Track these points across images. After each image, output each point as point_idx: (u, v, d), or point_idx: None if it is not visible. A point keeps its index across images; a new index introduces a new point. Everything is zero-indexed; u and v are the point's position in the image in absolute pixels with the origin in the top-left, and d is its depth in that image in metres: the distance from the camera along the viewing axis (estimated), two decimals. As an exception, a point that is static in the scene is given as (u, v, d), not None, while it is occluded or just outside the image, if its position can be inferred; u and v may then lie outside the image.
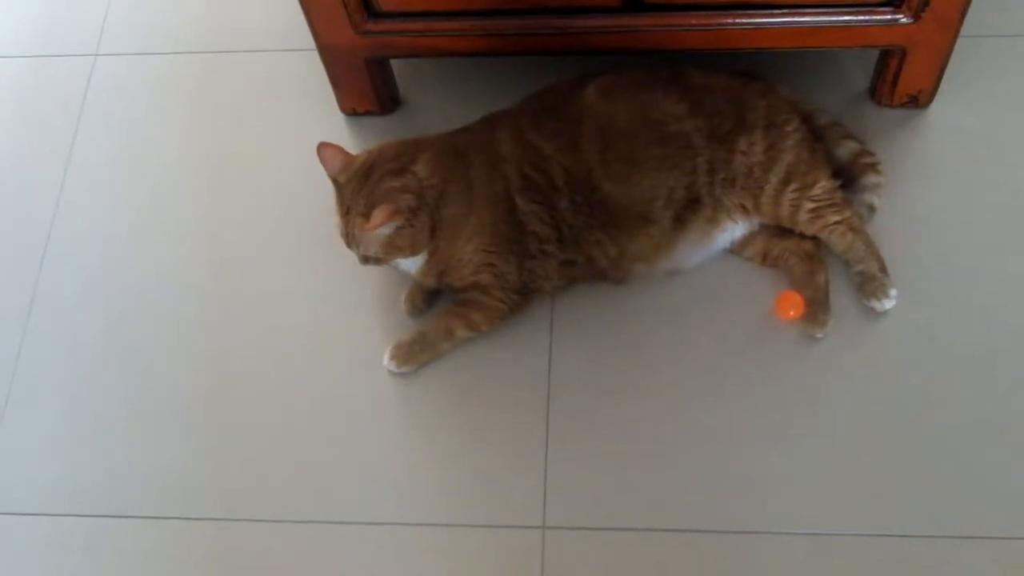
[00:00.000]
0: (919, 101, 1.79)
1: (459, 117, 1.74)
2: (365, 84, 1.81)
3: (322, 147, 1.57)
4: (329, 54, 1.75)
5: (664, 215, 1.62)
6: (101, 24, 2.06)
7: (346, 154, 1.59)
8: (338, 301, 1.75)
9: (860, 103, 1.83)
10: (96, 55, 2.03)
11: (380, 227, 1.53)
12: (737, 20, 1.64)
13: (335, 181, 1.59)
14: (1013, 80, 1.84)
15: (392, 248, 1.59)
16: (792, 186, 1.63)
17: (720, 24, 1.64)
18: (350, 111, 1.89)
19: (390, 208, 1.52)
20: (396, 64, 1.87)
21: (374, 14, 1.67)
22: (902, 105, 1.80)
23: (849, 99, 1.83)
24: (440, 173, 1.60)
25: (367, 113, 1.88)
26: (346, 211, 1.58)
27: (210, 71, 2.00)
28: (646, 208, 1.62)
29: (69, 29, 2.07)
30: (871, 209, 1.71)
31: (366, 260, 1.62)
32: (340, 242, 1.61)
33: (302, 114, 1.92)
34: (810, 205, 1.64)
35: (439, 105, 1.89)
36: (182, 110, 1.97)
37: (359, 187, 1.57)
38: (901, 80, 1.74)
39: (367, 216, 1.54)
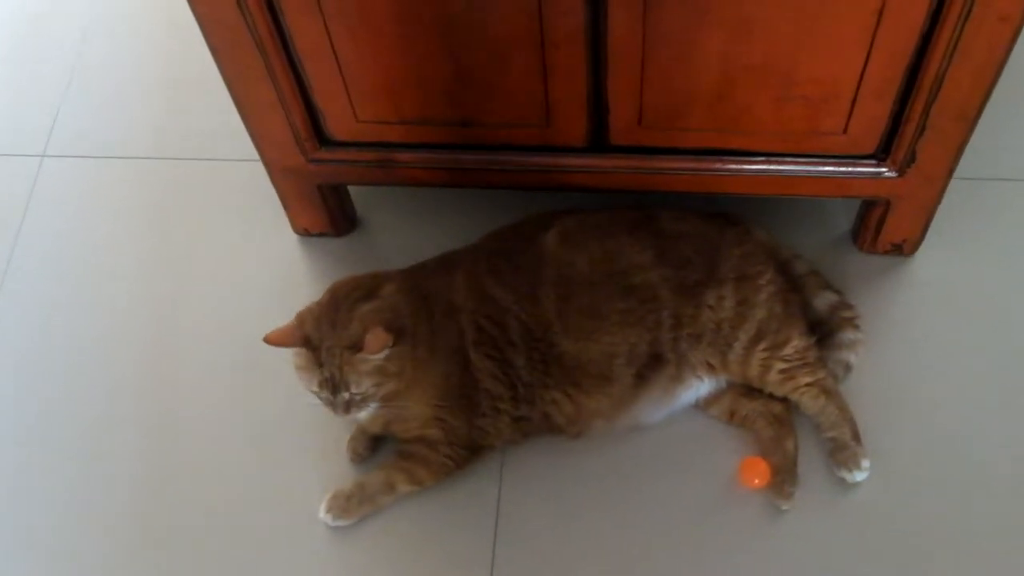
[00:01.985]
0: (904, 250, 1.69)
1: (421, 241, 1.66)
2: (318, 207, 1.71)
3: (270, 339, 1.42)
4: (279, 179, 1.65)
5: (625, 373, 1.52)
6: (51, 124, 1.97)
7: (295, 322, 1.45)
8: (275, 442, 1.63)
9: (841, 246, 1.73)
10: (43, 156, 1.93)
11: (379, 351, 1.39)
12: (712, 166, 1.54)
13: (307, 343, 1.43)
14: (1004, 226, 1.74)
15: (384, 377, 1.43)
16: (762, 345, 1.53)
17: (693, 169, 1.54)
18: (303, 232, 1.79)
19: (381, 328, 1.39)
20: (354, 183, 1.78)
21: (326, 142, 1.58)
22: (885, 253, 1.70)
23: (830, 242, 1.73)
24: (409, 306, 1.48)
25: (321, 234, 1.79)
26: (320, 360, 1.41)
27: (159, 178, 1.90)
28: (606, 366, 1.51)
29: (18, 127, 1.98)
30: (847, 368, 1.60)
31: (349, 406, 1.44)
32: (325, 411, 1.46)
33: (253, 230, 1.82)
34: (781, 366, 1.54)
35: (399, 227, 1.80)
36: (127, 219, 1.87)
37: (331, 327, 1.42)
38: (885, 229, 1.64)
39: (357, 347, 1.39)
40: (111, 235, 1.86)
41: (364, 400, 1.45)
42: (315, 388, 1.44)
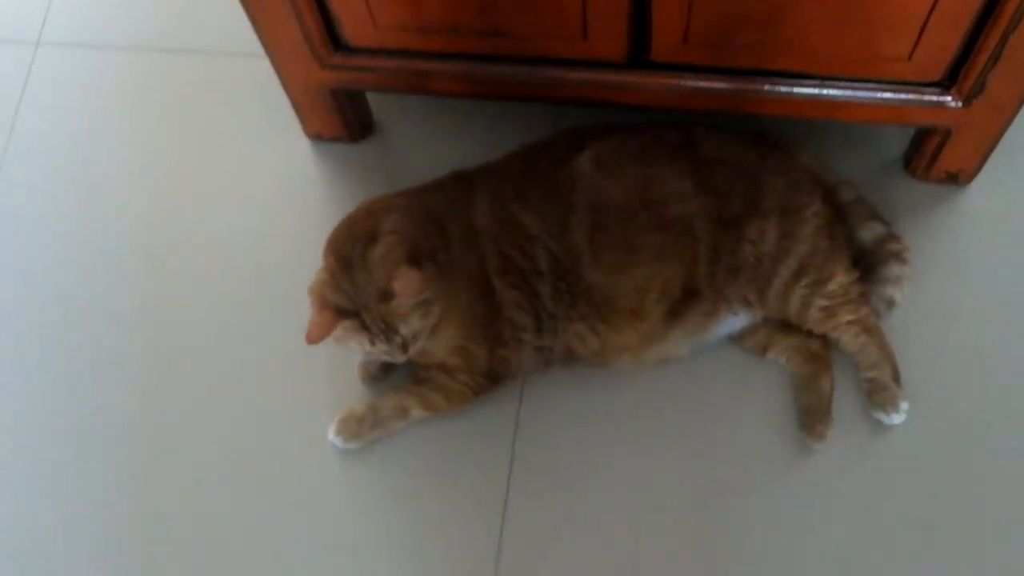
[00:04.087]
0: (959, 179, 1.58)
1: (439, 151, 1.57)
2: (333, 112, 1.60)
3: (313, 338, 1.33)
4: (290, 84, 1.53)
5: (657, 309, 1.43)
6: (45, 10, 1.82)
7: (316, 303, 1.35)
8: (285, 359, 1.56)
9: (891, 172, 1.61)
10: (38, 43, 1.80)
11: (414, 293, 1.31)
12: (760, 87, 1.41)
13: (343, 314, 1.34)
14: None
15: (427, 307, 1.36)
16: (804, 281, 1.44)
17: (739, 90, 1.42)
18: (315, 136, 1.67)
19: (405, 266, 1.31)
20: (371, 85, 1.66)
21: (342, 48, 1.45)
22: (939, 181, 1.59)
23: (879, 166, 1.61)
24: (421, 230, 1.39)
25: (335, 139, 1.67)
26: (363, 324, 1.34)
27: (162, 72, 1.78)
28: (637, 302, 1.42)
29: (12, 9, 1.83)
30: (891, 304, 1.51)
31: (405, 346, 1.37)
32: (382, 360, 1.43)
33: (262, 130, 1.70)
34: (822, 303, 1.45)
35: (417, 135, 1.68)
36: (128, 114, 1.76)
37: (354, 287, 1.34)
38: (942, 158, 1.53)
39: (389, 295, 1.32)
40: (110, 132, 1.75)
41: (416, 335, 1.38)
42: (368, 348, 1.38)
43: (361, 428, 1.50)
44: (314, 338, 1.33)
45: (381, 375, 1.54)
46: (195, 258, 1.64)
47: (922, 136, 1.53)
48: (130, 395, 1.57)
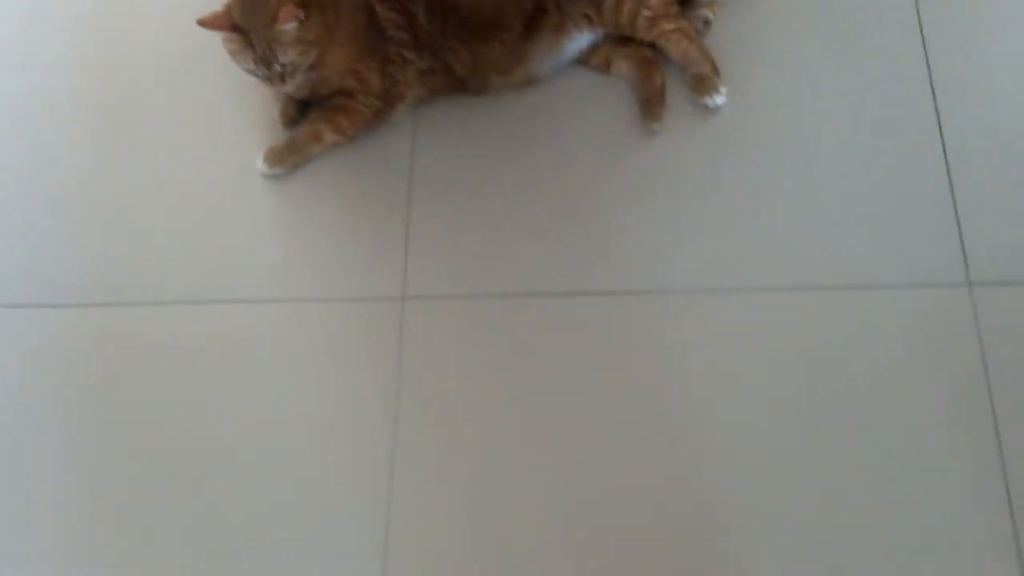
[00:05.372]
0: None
1: None
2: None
3: (204, 22, 1.63)
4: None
5: (515, 22, 1.77)
6: None
7: (224, 10, 1.66)
8: (217, 115, 1.89)
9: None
10: None
11: (290, 20, 1.62)
12: None
13: (237, 30, 1.65)
14: None
15: (305, 45, 1.66)
16: (630, -3, 1.80)
17: None
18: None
19: (291, 2, 1.63)
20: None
21: None
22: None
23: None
24: None
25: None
26: (251, 42, 1.64)
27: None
28: (498, 14, 1.76)
29: None
30: (706, 23, 1.86)
31: (283, 76, 1.69)
32: (264, 87, 1.76)
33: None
34: (647, 13, 1.79)
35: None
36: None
37: (253, 12, 1.64)
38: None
39: (274, 19, 1.63)
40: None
41: (294, 69, 1.70)
42: (251, 66, 1.69)
43: (283, 154, 1.81)
44: (206, 23, 1.64)
45: (298, 116, 1.85)
46: (142, 30, 2.00)
47: None
48: (92, 139, 1.90)
